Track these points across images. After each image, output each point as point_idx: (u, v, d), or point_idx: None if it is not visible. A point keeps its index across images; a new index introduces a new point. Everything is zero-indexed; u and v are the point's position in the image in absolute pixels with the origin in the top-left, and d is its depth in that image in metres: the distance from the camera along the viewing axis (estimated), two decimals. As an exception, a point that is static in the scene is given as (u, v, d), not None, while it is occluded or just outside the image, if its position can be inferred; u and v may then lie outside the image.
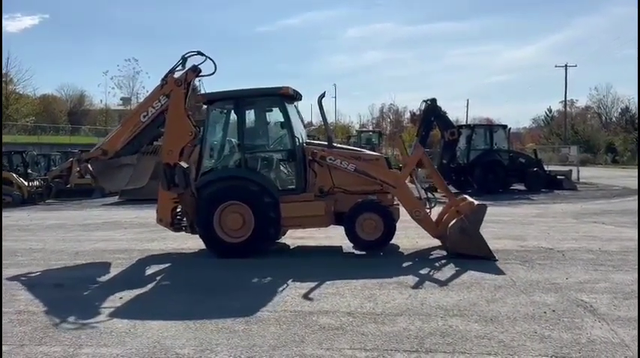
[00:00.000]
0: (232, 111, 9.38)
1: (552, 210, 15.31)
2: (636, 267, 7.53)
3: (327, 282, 6.95)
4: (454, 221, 8.43)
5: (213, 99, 9.41)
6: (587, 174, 30.95)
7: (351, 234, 8.88)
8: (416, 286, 6.74)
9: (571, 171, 24.92)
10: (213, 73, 9.59)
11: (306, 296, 6.40)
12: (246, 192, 8.82)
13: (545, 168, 23.88)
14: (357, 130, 54.77)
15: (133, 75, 63.13)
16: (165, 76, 9.61)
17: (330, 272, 7.55)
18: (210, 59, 9.56)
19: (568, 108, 65.23)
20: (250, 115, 9.54)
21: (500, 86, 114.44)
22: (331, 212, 9.04)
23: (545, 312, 5.56)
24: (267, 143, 9.65)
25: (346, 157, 9.18)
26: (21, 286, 7.40)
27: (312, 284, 6.87)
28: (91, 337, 5.17)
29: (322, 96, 9.38)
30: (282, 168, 9.42)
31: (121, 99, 74.44)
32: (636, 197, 17.58)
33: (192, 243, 10.05)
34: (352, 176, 9.09)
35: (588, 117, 72.34)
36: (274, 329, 5.26)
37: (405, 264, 8.20)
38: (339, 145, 10.46)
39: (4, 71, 54.57)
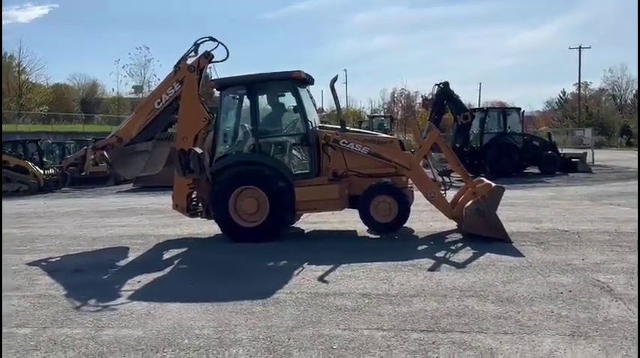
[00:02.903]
0: (245, 96, 9.39)
1: (567, 193, 15.21)
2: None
3: (343, 265, 6.99)
4: (470, 202, 8.42)
5: (226, 84, 9.43)
6: (602, 156, 30.64)
7: (365, 217, 8.90)
8: (432, 268, 6.76)
9: (586, 153, 24.70)
10: (226, 59, 9.62)
11: (321, 279, 6.45)
12: (260, 177, 8.85)
13: (560, 151, 23.69)
14: (368, 115, 54.59)
15: (144, 63, 63.21)
16: (178, 63, 9.65)
17: (345, 255, 7.58)
18: (223, 45, 9.60)
19: (582, 91, 64.52)
20: (263, 100, 9.53)
21: (512, 69, 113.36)
22: (345, 195, 9.05)
23: (561, 293, 5.55)
24: (280, 127, 9.65)
25: (360, 140, 9.17)
26: (41, 271, 7.52)
27: (328, 267, 6.91)
28: (112, 319, 5.26)
29: (334, 79, 9.37)
30: (295, 152, 9.43)
31: (132, 87, 74.71)
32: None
33: (208, 228, 10.13)
34: (366, 159, 9.08)
35: (602, 100, 71.42)
36: (291, 310, 5.31)
37: (420, 247, 8.22)
38: (352, 129, 10.44)
39: (17, 61, 55.08)
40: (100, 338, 4.75)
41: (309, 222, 10.49)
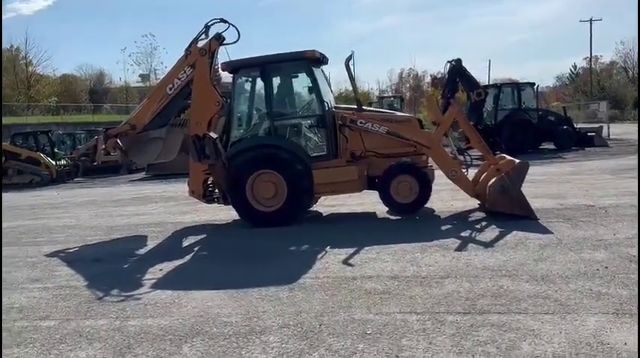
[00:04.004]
0: (258, 78, 9.18)
1: (587, 167, 14.94)
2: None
3: (366, 248, 6.83)
4: (494, 179, 8.20)
5: (238, 66, 9.20)
6: (616, 130, 30.09)
7: (385, 198, 8.72)
8: (459, 248, 6.58)
9: (601, 127, 24.28)
10: (237, 41, 9.39)
11: (346, 262, 6.29)
12: (277, 160, 8.67)
13: (575, 126, 23.29)
14: (378, 96, 54.08)
15: (150, 51, 62.94)
16: (189, 46, 9.44)
17: (368, 237, 7.41)
18: (234, 26, 9.35)
19: (593, 65, 63.39)
20: (277, 81, 9.32)
21: (521, 45, 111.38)
22: (364, 176, 8.87)
23: (597, 269, 5.36)
24: (295, 109, 9.45)
25: (377, 120, 8.95)
26: (60, 262, 7.43)
27: (351, 250, 6.75)
28: (136, 309, 5.14)
29: (350, 58, 9.17)
30: (312, 134, 9.23)
31: (139, 76, 74.64)
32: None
33: (224, 214, 10.00)
34: (384, 138, 8.87)
35: (614, 73, 70.21)
36: (319, 295, 5.16)
37: (443, 227, 8.04)
38: (368, 108, 10.22)
39: (23, 53, 55.03)
40: (126, 329, 4.63)
41: (326, 205, 10.33)
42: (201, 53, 9.24)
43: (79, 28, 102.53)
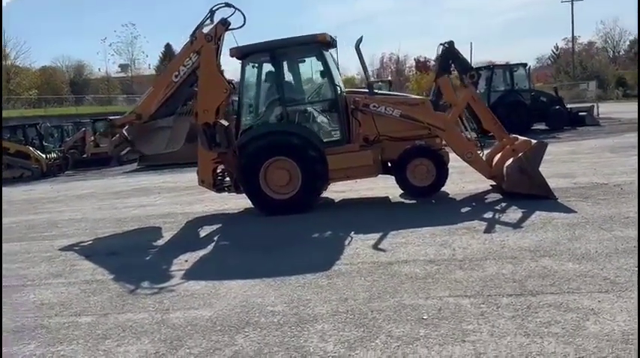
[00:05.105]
0: (268, 63, 9.00)
1: (585, 146, 15.02)
2: None
3: (392, 232, 6.76)
4: (511, 160, 8.17)
5: (247, 52, 9.01)
6: (603, 109, 30.34)
7: (402, 182, 8.66)
8: (487, 230, 6.54)
9: (593, 106, 24.46)
10: (243, 26, 9.18)
11: (377, 247, 6.22)
12: (290, 147, 8.53)
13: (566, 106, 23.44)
14: (366, 82, 53.76)
15: (131, 40, 62.15)
16: (194, 32, 9.21)
17: (389, 222, 7.34)
18: (240, 10, 9.12)
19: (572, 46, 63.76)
20: (288, 66, 9.15)
21: (501, 27, 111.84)
22: (379, 161, 8.78)
23: (634, 246, 5.35)
24: (307, 94, 9.30)
25: (390, 103, 8.85)
26: (77, 256, 7.26)
27: (377, 235, 6.67)
28: (174, 301, 5.02)
29: (359, 41, 8.97)
30: (324, 119, 9.11)
31: (119, 66, 73.64)
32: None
33: (233, 203, 9.88)
34: (397, 122, 8.77)
35: (593, 53, 70.77)
36: (360, 281, 5.08)
37: (463, 209, 7.99)
38: (380, 91, 10.10)
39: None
40: (170, 321, 4.52)
41: (336, 191, 10.22)
42: (207, 39, 9.00)
43: (55, 19, 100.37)
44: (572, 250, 5.41)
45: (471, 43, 75.13)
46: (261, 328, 4.19)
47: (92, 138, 23.76)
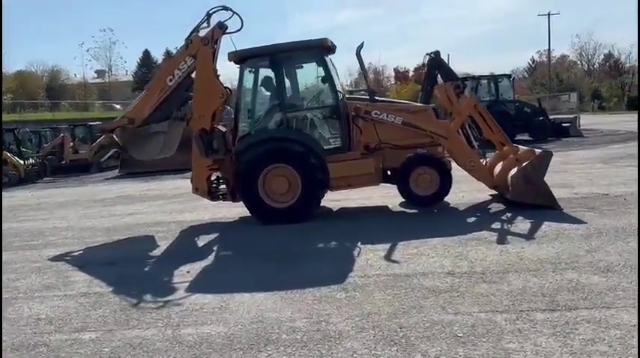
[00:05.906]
0: (268, 68, 8.76)
1: (575, 157, 15.06)
2: None
3: (401, 243, 6.55)
4: (516, 169, 8.04)
5: (246, 56, 8.76)
6: (584, 121, 30.82)
7: (405, 191, 8.47)
8: (500, 241, 6.37)
9: (576, 118, 24.72)
10: (240, 29, 8.95)
11: (389, 258, 6.00)
12: (290, 154, 8.28)
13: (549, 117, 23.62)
14: (349, 91, 53.86)
15: (109, 45, 61.27)
16: (190, 35, 8.95)
17: (395, 232, 7.15)
18: (237, 14, 8.90)
19: (546, 58, 64.80)
20: (288, 72, 8.91)
21: (478, 38, 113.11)
22: (380, 169, 8.59)
23: (657, 259, 5.23)
24: (308, 100, 9.07)
25: (392, 110, 8.68)
26: (69, 266, 6.88)
27: (387, 246, 6.46)
28: (183, 316, 4.71)
29: (360, 46, 8.79)
30: (324, 125, 8.88)
31: (95, 72, 72.58)
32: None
33: (227, 211, 9.58)
34: (399, 129, 8.60)
35: (566, 67, 72.06)
36: (380, 295, 4.85)
37: (469, 220, 7.83)
38: (381, 98, 9.94)
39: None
40: (183, 338, 4.22)
41: (332, 199, 9.96)
42: (203, 42, 8.75)
43: (29, 22, 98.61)
44: (594, 262, 5.26)
45: (449, 55, 75.93)
46: (285, 346, 3.92)
47: (71, 144, 23.14)
